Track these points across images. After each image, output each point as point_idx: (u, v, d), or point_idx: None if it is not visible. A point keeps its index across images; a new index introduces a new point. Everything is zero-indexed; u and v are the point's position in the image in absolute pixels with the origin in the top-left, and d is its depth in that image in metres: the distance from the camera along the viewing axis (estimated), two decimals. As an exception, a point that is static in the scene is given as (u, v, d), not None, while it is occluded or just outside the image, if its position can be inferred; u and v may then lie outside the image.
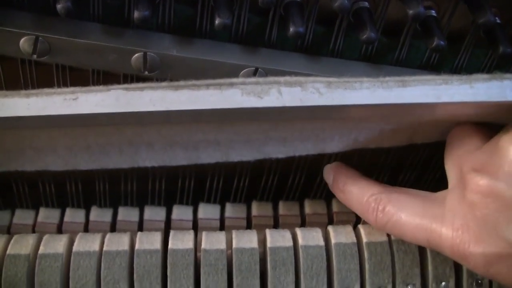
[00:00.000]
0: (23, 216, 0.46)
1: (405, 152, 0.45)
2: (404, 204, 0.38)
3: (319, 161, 0.44)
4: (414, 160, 0.46)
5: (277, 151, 0.41)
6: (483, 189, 0.33)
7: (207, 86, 0.35)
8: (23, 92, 0.35)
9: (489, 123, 0.39)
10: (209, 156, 0.41)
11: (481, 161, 0.35)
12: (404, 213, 0.37)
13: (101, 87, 0.35)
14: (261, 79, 0.36)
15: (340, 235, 0.41)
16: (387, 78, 0.37)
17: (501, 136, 0.35)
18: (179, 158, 0.41)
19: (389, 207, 0.38)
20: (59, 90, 0.35)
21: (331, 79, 0.36)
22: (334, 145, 0.41)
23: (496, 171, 0.33)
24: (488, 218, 0.33)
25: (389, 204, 0.38)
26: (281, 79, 0.36)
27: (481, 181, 0.34)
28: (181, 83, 0.35)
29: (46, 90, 0.35)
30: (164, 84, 0.35)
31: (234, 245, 0.40)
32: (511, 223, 0.32)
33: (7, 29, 0.40)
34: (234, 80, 0.36)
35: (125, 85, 0.35)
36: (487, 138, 0.38)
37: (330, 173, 0.43)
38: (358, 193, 0.40)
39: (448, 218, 0.35)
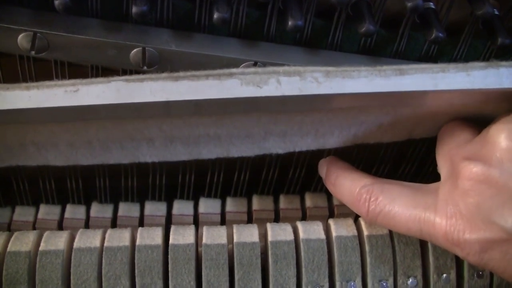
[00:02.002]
0: (23, 213, 0.46)
1: (405, 147, 0.45)
2: (396, 194, 0.38)
3: (319, 154, 0.44)
4: (413, 154, 0.46)
5: (277, 147, 0.41)
6: (476, 176, 0.34)
7: (207, 76, 0.35)
8: (23, 85, 0.35)
9: (478, 120, 0.39)
10: (210, 152, 0.41)
11: (473, 151, 0.36)
12: (396, 203, 0.37)
13: (101, 79, 0.35)
14: (260, 69, 0.36)
15: (341, 228, 0.41)
16: (385, 67, 0.37)
17: (491, 126, 0.36)
18: (180, 153, 0.41)
19: (382, 197, 0.38)
20: (59, 82, 0.35)
21: (329, 68, 0.36)
22: (333, 141, 0.42)
23: (489, 159, 0.34)
24: (481, 204, 0.33)
25: (381, 195, 0.38)
26: (280, 69, 0.36)
27: (474, 169, 0.34)
28: (181, 74, 0.35)
29: (47, 82, 0.35)
30: (164, 75, 0.35)
31: (235, 240, 0.40)
32: (505, 209, 0.32)
33: (5, 25, 0.40)
34: (233, 70, 0.36)
35: (126, 77, 0.35)
36: (476, 132, 0.38)
37: (323, 167, 0.44)
38: (350, 185, 0.40)
39: (441, 207, 0.35)
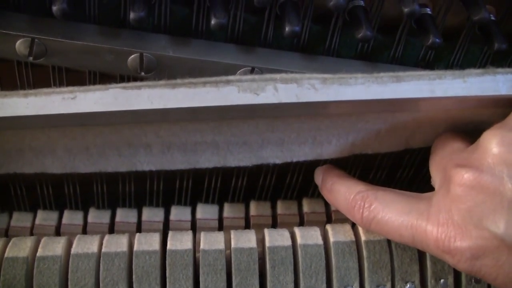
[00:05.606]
0: (21, 219, 0.46)
1: (402, 153, 0.45)
2: (390, 201, 0.38)
3: (316, 160, 0.44)
4: (410, 160, 0.46)
5: (275, 156, 0.41)
6: (468, 182, 0.34)
7: (204, 83, 0.36)
8: (21, 92, 0.35)
9: (474, 127, 0.39)
10: (207, 160, 0.41)
11: (465, 158, 0.36)
12: (390, 210, 0.37)
13: (99, 86, 0.35)
14: (257, 77, 0.36)
15: (339, 233, 0.41)
16: (382, 74, 0.37)
17: (483, 133, 0.36)
18: (178, 162, 0.41)
19: (375, 204, 0.38)
20: (57, 89, 0.35)
21: (326, 75, 0.37)
22: (331, 150, 0.41)
23: (480, 165, 0.34)
24: (473, 210, 0.33)
25: (375, 202, 0.38)
26: (277, 76, 0.36)
27: (466, 174, 0.34)
28: (178, 81, 0.35)
29: (44, 89, 0.35)
30: (161, 82, 0.35)
31: (232, 245, 0.40)
32: (497, 215, 0.32)
33: (3, 31, 0.40)
34: (231, 77, 0.36)
35: (123, 84, 0.35)
36: (469, 142, 0.38)
37: (319, 175, 0.44)
38: (345, 191, 0.40)
39: (434, 214, 0.35)
